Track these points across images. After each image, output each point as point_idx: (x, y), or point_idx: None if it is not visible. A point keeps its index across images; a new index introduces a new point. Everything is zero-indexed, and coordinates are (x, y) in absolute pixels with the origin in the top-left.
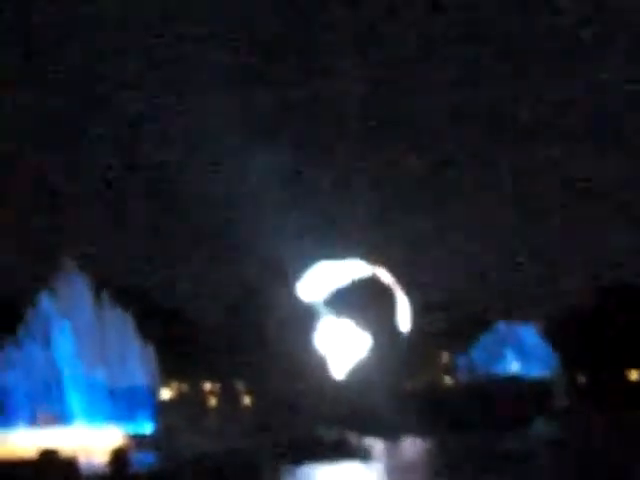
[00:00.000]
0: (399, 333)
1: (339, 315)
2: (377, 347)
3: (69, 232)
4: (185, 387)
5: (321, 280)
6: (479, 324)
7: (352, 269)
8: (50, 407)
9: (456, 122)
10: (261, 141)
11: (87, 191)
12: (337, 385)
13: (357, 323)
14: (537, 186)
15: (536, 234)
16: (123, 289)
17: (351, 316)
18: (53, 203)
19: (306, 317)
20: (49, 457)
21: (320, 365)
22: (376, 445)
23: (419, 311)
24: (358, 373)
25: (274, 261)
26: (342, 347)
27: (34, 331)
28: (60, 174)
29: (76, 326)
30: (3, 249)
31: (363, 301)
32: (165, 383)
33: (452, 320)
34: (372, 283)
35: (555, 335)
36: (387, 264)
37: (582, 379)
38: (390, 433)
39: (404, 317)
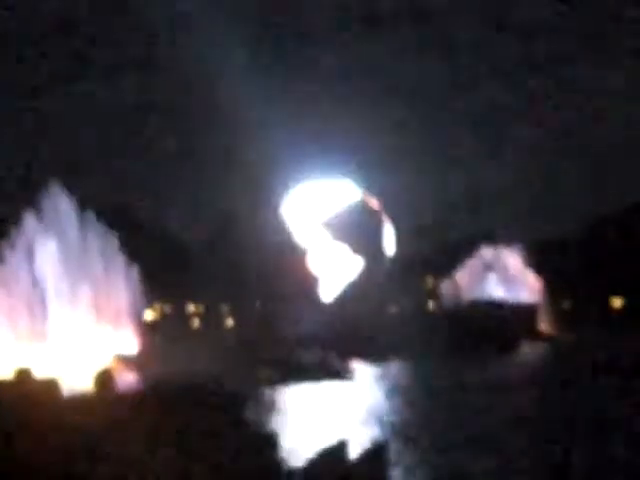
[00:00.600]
0: (386, 257)
1: (334, 238)
2: (367, 271)
3: (55, 154)
4: (169, 308)
5: (308, 201)
6: (464, 249)
7: (341, 191)
8: (33, 325)
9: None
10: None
11: (73, 112)
12: (323, 307)
13: (351, 247)
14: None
15: (523, 165)
16: (108, 209)
17: (346, 239)
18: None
19: (290, 240)
20: (25, 376)
21: (307, 288)
22: (359, 367)
23: (404, 236)
24: (346, 296)
25: (258, 181)
26: (333, 270)
27: (18, 249)
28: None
29: (60, 245)
30: None
31: (357, 225)
32: (149, 304)
33: (437, 245)
34: (362, 206)
35: (540, 261)
36: (373, 187)
37: (566, 305)
38: (374, 356)
39: (390, 242)
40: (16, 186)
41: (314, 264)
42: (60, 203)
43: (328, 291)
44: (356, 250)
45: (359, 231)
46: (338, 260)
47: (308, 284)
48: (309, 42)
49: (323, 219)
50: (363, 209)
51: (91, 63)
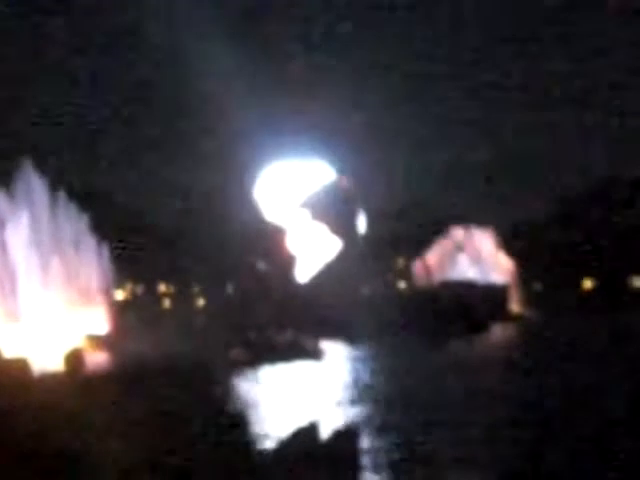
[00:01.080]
0: (359, 238)
1: (313, 218)
2: (344, 252)
3: (29, 133)
4: (140, 289)
5: (281, 181)
6: (435, 230)
7: (314, 171)
8: (3, 304)
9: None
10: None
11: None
12: (297, 288)
13: (329, 227)
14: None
15: (499, 140)
16: (80, 189)
17: (323, 220)
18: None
19: (267, 219)
20: None
21: (283, 268)
22: (330, 347)
23: (376, 216)
24: (323, 277)
25: (229, 161)
26: (310, 250)
27: None
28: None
29: (31, 224)
30: None
31: (333, 205)
32: (120, 284)
33: (408, 225)
34: (337, 187)
35: (511, 242)
36: (346, 168)
37: (537, 287)
38: (346, 336)
39: (362, 223)
40: None
41: (292, 244)
42: (32, 182)
43: (304, 271)
44: (334, 231)
45: (336, 212)
46: (315, 240)
47: (285, 264)
48: (290, 19)
49: (299, 199)
50: (338, 190)
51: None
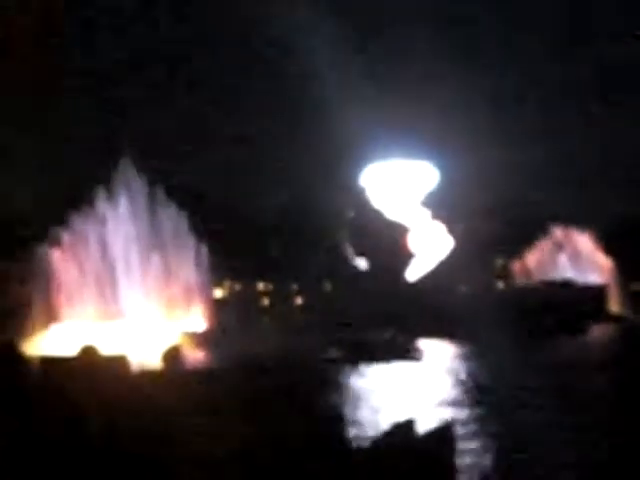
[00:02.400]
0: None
1: (434, 217)
2: (454, 252)
3: (128, 133)
4: (238, 286)
5: (385, 181)
6: (535, 229)
7: (419, 170)
8: (103, 303)
9: None
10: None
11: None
12: (404, 287)
13: (446, 227)
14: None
15: (598, 138)
16: (179, 187)
17: (442, 220)
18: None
19: (386, 218)
20: (91, 353)
21: (398, 265)
22: (429, 346)
23: (474, 216)
24: (435, 275)
25: (329, 164)
26: (427, 250)
27: (90, 224)
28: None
29: (131, 223)
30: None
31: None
32: (218, 282)
33: (508, 225)
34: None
35: (610, 242)
36: (447, 167)
37: (636, 287)
38: (445, 335)
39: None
40: (92, 165)
41: (413, 242)
42: (131, 181)
43: (417, 270)
44: (450, 230)
45: (448, 212)
46: (433, 240)
47: (399, 262)
48: (398, 21)
49: (418, 198)
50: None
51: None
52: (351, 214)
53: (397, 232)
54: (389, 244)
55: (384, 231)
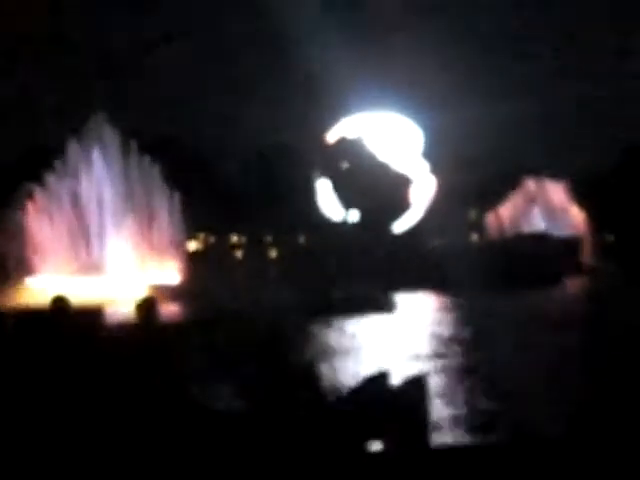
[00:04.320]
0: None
1: (431, 172)
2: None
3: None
4: (212, 239)
5: (361, 132)
6: (508, 182)
7: (388, 121)
8: (77, 257)
9: None
10: None
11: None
12: (387, 239)
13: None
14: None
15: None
16: (152, 139)
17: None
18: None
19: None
20: (62, 304)
21: (388, 217)
22: (404, 299)
23: (448, 168)
24: (418, 229)
25: (304, 117)
26: (421, 202)
27: (62, 179)
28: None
29: (104, 176)
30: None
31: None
32: (192, 235)
33: (481, 177)
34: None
35: (583, 194)
36: (423, 119)
37: (609, 239)
38: (419, 288)
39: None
40: (62, 117)
41: (413, 194)
42: (104, 133)
43: (404, 222)
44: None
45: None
46: (428, 193)
47: (394, 214)
48: None
49: (417, 149)
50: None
51: None
52: (345, 165)
53: (399, 183)
54: (388, 196)
55: (384, 182)
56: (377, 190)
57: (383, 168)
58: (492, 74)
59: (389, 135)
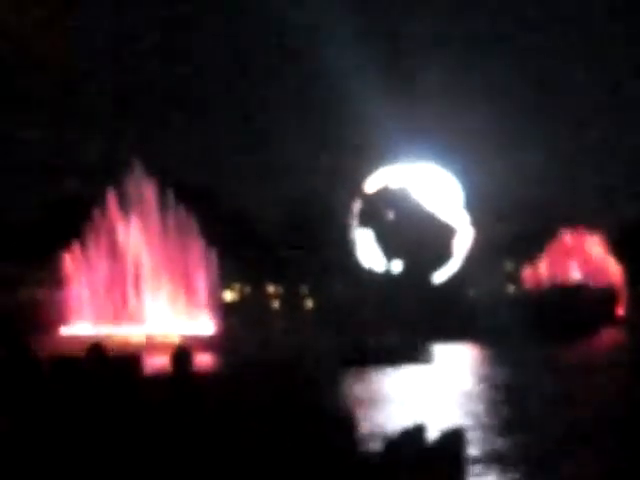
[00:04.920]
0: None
1: (471, 224)
2: (475, 257)
3: (136, 133)
4: (248, 289)
5: (397, 184)
6: (545, 234)
7: (423, 172)
8: (113, 307)
9: None
10: None
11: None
12: (426, 290)
13: (478, 232)
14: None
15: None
16: (188, 189)
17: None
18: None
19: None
20: (99, 352)
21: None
22: (441, 350)
23: (485, 219)
24: (458, 278)
25: (338, 166)
26: (461, 253)
27: (100, 230)
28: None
29: (141, 226)
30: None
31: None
32: (228, 285)
33: (517, 229)
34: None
35: (620, 246)
36: (458, 169)
37: None
38: (458, 339)
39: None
40: (100, 167)
41: (456, 245)
42: (141, 183)
43: (444, 273)
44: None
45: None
46: (467, 244)
47: (436, 264)
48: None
49: (458, 201)
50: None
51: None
52: (390, 216)
53: (444, 234)
54: (432, 246)
55: (430, 232)
56: (423, 240)
57: (429, 218)
58: (529, 121)
59: (430, 186)
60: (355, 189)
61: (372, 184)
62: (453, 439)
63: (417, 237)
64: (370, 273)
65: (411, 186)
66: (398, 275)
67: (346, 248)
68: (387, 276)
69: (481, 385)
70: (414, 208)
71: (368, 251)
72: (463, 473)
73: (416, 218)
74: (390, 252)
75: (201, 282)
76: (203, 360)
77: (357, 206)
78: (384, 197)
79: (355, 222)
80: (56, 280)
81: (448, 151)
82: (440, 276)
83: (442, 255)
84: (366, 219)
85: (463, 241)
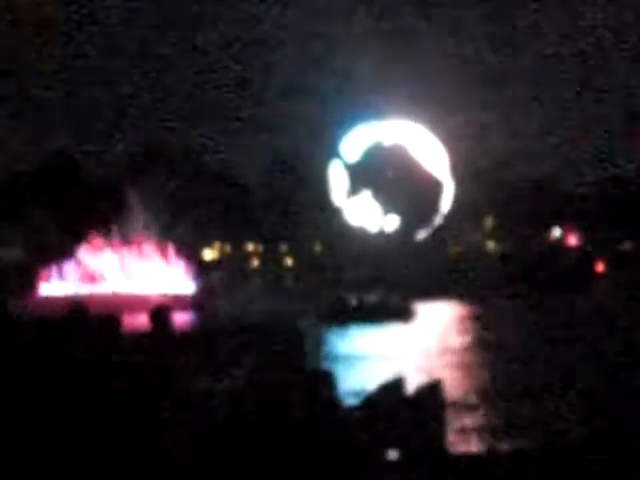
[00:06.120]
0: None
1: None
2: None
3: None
4: (228, 248)
5: (364, 141)
6: (526, 191)
7: (398, 129)
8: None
9: None
10: None
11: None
12: (381, 248)
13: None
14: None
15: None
16: (171, 149)
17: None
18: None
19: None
20: (81, 313)
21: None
22: (417, 306)
23: (466, 176)
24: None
25: (316, 124)
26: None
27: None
28: None
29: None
30: None
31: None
32: (208, 244)
33: (498, 186)
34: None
35: (598, 202)
36: (434, 126)
37: (626, 247)
38: (432, 295)
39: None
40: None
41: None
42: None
43: (427, 229)
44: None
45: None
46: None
47: (424, 220)
48: None
49: (445, 156)
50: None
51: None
52: (388, 173)
53: (435, 190)
54: (424, 202)
55: (423, 188)
56: (417, 196)
57: (424, 175)
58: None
59: (418, 143)
60: (335, 147)
61: (353, 142)
62: (433, 391)
63: (414, 193)
64: (361, 231)
65: (404, 143)
66: (389, 233)
67: (327, 204)
68: (379, 234)
69: (463, 340)
70: (411, 165)
71: (359, 209)
72: (442, 424)
73: (414, 175)
74: (387, 208)
75: (180, 241)
76: (184, 318)
77: (345, 164)
78: (380, 154)
79: (348, 179)
80: (33, 241)
81: (431, 111)
82: (423, 232)
83: (430, 211)
84: (363, 177)
85: (447, 198)
